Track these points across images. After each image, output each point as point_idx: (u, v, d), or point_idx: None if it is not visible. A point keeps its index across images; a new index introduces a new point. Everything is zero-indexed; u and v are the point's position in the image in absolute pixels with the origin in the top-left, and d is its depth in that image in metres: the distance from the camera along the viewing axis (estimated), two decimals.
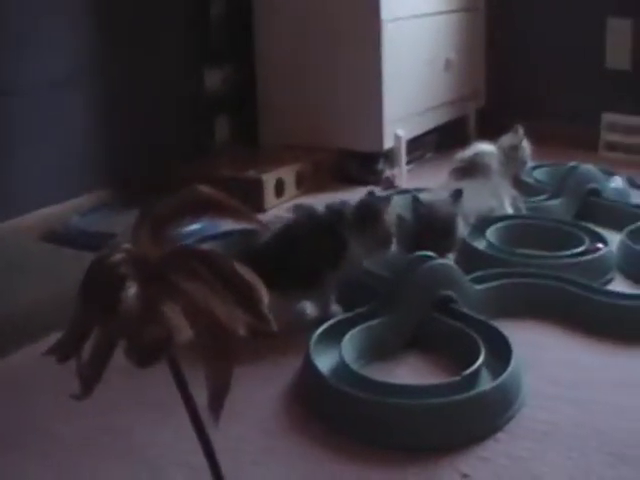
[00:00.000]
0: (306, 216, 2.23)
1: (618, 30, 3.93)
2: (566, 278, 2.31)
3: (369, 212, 2.21)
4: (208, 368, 1.18)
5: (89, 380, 1.16)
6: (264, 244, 2.13)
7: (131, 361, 1.15)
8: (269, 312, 1.21)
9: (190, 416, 1.26)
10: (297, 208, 2.29)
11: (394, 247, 2.26)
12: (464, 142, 3.44)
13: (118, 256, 1.19)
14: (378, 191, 2.94)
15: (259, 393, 1.91)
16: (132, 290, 1.15)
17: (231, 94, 3.60)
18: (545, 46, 4.12)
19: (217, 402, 1.19)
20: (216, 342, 1.17)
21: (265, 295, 1.21)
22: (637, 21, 3.89)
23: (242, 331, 1.18)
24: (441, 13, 3.79)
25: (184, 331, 1.15)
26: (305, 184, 3.31)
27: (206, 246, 2.34)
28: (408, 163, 3.59)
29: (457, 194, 2.53)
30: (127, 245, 1.21)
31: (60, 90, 2.91)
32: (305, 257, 2.16)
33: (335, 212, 2.22)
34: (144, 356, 1.16)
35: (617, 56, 3.97)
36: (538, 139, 3.21)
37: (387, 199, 2.28)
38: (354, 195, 3.08)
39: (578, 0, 4.01)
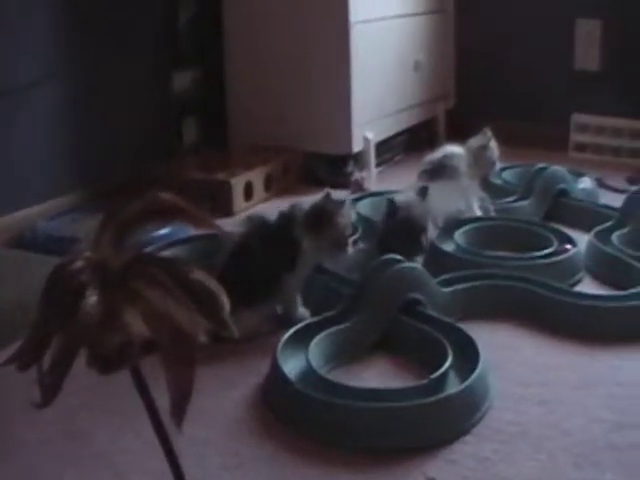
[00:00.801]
0: (257, 225, 2.23)
1: (587, 31, 3.95)
2: (534, 279, 2.32)
3: (322, 215, 2.21)
4: (169, 375, 1.18)
5: (50, 389, 1.15)
6: (222, 264, 2.13)
7: (93, 369, 1.14)
8: (230, 319, 1.21)
9: (153, 424, 1.26)
10: (248, 219, 2.29)
11: (349, 249, 2.26)
12: (434, 143, 3.45)
13: (79, 263, 1.19)
14: (347, 193, 2.96)
15: (226, 397, 1.91)
16: (92, 298, 1.15)
17: (200, 97, 3.59)
18: (514, 47, 4.13)
19: (179, 409, 1.18)
20: (177, 349, 1.17)
21: (226, 302, 1.21)
22: (606, 22, 3.91)
23: (203, 338, 1.18)
24: (410, 15, 3.79)
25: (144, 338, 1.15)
26: (274, 187, 3.30)
27: (169, 253, 2.37)
28: (378, 165, 3.59)
29: (423, 191, 2.53)
30: (88, 252, 1.21)
31: (27, 93, 2.89)
32: (261, 264, 2.16)
33: (286, 216, 2.23)
34: (106, 364, 1.15)
35: (586, 57, 3.99)
36: (508, 140, 3.22)
37: (341, 202, 2.26)
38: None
39: (547, 1, 4.03)
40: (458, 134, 3.31)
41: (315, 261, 2.25)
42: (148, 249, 2.37)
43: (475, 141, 3.13)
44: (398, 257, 2.14)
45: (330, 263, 2.30)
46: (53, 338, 1.16)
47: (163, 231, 2.52)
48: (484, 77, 4.20)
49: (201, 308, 1.20)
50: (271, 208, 3.10)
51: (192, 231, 2.59)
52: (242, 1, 3.50)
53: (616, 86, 3.94)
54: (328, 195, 2.24)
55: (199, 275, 1.22)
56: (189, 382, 1.19)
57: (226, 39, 3.56)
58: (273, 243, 2.18)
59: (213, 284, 1.22)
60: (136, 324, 1.15)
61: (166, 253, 2.39)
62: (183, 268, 1.22)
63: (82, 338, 1.15)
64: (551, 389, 1.93)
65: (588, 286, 2.49)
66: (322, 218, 2.20)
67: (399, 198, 2.55)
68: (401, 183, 3.08)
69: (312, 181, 3.40)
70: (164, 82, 3.44)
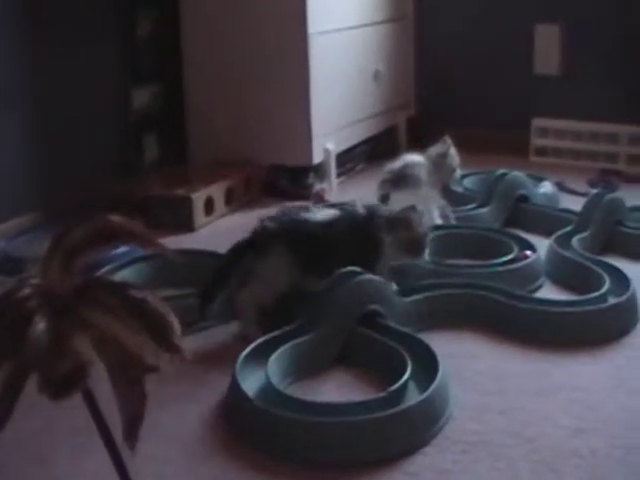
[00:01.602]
0: (347, 215, 2.35)
1: (546, 36, 3.98)
2: (493, 287, 2.34)
3: (403, 220, 2.32)
4: (120, 399, 1.18)
5: (0, 415, 1.15)
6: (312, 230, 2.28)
7: (44, 394, 1.15)
8: (181, 341, 1.21)
9: (107, 448, 1.26)
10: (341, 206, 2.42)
11: (426, 255, 2.38)
12: (395, 152, 3.45)
13: (26, 290, 1.19)
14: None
15: (186, 414, 1.90)
16: (41, 325, 1.15)
17: (160, 112, 3.59)
18: (474, 53, 4.15)
19: (131, 432, 1.19)
20: (127, 373, 1.18)
21: (177, 324, 1.22)
22: (564, 27, 3.93)
23: (153, 361, 1.18)
24: (369, 25, 3.80)
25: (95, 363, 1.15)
26: (235, 201, 3.29)
27: (120, 276, 2.36)
28: (339, 176, 3.60)
29: (384, 198, 2.55)
30: (36, 279, 1.21)
31: None
32: (341, 251, 2.26)
33: (369, 216, 2.34)
34: (57, 389, 1.16)
35: (546, 61, 4.02)
36: (469, 147, 3.23)
37: (421, 211, 2.38)
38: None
39: (506, 7, 4.05)
40: (420, 141, 3.32)
41: (393, 261, 2.33)
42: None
43: (435, 149, 3.13)
44: (357, 269, 2.15)
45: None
46: (2, 365, 1.16)
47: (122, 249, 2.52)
48: (445, 84, 4.22)
49: (152, 332, 1.20)
50: (233, 222, 3.12)
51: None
52: (199, 16, 3.50)
53: (576, 89, 3.96)
54: (413, 207, 2.36)
55: (149, 299, 1.22)
56: (140, 405, 1.19)
57: (184, 54, 3.56)
58: (357, 236, 2.29)
59: (164, 307, 1.23)
60: (85, 350, 1.16)
61: (124, 273, 2.40)
62: (133, 292, 1.23)
63: (32, 365, 1.15)
64: (511, 397, 1.94)
65: (549, 291, 2.50)
66: (402, 223, 2.31)
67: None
68: (362, 193, 3.09)
69: (274, 194, 3.41)
70: (123, 99, 3.43)
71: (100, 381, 1.19)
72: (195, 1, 3.50)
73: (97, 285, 1.23)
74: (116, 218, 1.25)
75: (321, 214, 2.34)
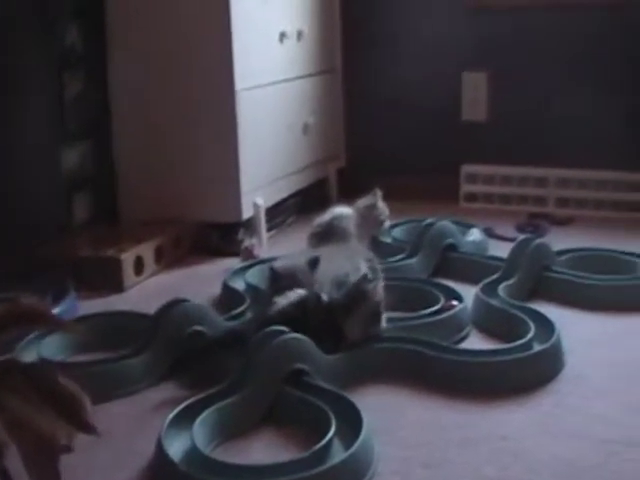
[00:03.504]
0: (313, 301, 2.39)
1: (473, 83, 4.05)
2: (418, 339, 2.35)
3: (357, 294, 2.36)
4: None
5: None
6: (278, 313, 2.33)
7: None
8: (93, 418, 1.23)
9: None
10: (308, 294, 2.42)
11: (384, 321, 2.43)
12: (326, 204, 3.48)
13: None
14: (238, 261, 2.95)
15: None
16: None
17: (90, 172, 3.58)
18: (402, 102, 4.20)
19: None
20: (40, 455, 1.19)
21: (88, 403, 1.23)
22: (491, 74, 4.01)
23: (66, 441, 1.19)
24: (297, 78, 3.83)
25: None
26: (165, 259, 3.29)
27: (47, 341, 2.35)
28: (269, 230, 3.60)
29: (314, 262, 2.56)
30: None
31: None
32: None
33: (331, 301, 2.38)
34: None
35: (473, 108, 4.08)
36: (401, 195, 3.27)
37: (377, 279, 2.43)
38: (215, 267, 3.12)
39: (433, 56, 4.12)
40: (351, 191, 3.35)
41: (358, 336, 2.36)
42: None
43: (363, 201, 3.17)
44: (282, 328, 2.17)
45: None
46: None
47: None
48: (374, 134, 4.27)
49: (63, 412, 1.22)
50: (163, 281, 3.12)
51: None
52: (128, 74, 3.51)
53: (503, 135, 4.04)
54: (365, 276, 2.41)
55: (60, 379, 1.24)
56: None
57: (113, 113, 3.57)
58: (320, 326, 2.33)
59: (74, 387, 1.24)
60: (1, 433, 1.17)
61: (52, 339, 2.39)
62: (45, 373, 1.24)
63: None
64: (436, 449, 1.95)
65: (475, 341, 2.52)
66: (357, 297, 2.36)
67: (280, 263, 2.61)
68: (293, 246, 3.11)
69: (204, 251, 3.41)
70: (52, 159, 3.41)
71: (17, 461, 1.20)
72: (123, 59, 3.52)
73: (8, 368, 1.24)
74: (25, 300, 1.26)
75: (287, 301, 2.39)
